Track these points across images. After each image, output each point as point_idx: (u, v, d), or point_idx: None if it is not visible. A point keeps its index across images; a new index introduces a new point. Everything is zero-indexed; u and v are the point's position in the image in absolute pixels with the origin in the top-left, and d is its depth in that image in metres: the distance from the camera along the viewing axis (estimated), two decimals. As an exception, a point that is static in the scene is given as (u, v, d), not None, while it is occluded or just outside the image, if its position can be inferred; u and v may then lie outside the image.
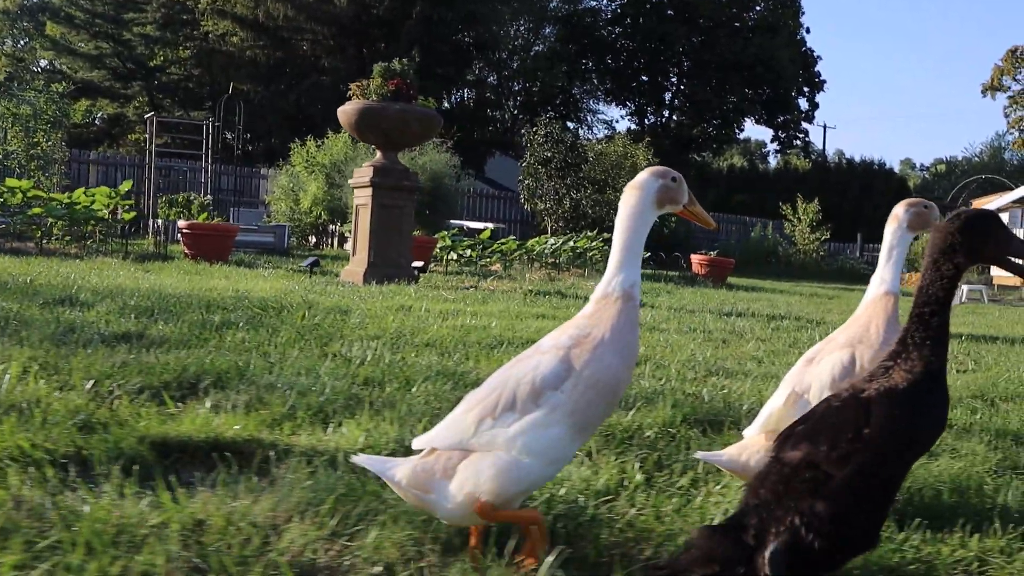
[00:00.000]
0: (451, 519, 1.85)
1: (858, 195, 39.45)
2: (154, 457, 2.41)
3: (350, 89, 10.30)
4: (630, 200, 1.97)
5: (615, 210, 2.00)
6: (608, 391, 1.83)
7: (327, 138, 19.67)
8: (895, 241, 2.60)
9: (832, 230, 27.59)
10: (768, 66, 41.93)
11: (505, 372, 1.88)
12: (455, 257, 15.54)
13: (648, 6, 43.35)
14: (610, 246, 2.00)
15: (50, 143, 17.72)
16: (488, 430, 1.80)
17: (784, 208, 27.53)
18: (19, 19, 40.14)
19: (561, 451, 1.81)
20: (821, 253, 27.08)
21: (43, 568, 1.65)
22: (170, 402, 2.96)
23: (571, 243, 16.15)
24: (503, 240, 16.08)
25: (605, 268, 1.99)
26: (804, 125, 47.77)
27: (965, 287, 18.49)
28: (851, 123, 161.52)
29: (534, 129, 23.67)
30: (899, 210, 2.62)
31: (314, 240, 20.53)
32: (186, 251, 11.90)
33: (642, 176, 2.00)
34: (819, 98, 65.31)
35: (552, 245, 15.99)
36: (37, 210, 11.62)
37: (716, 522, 1.99)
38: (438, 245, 15.20)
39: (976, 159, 68.93)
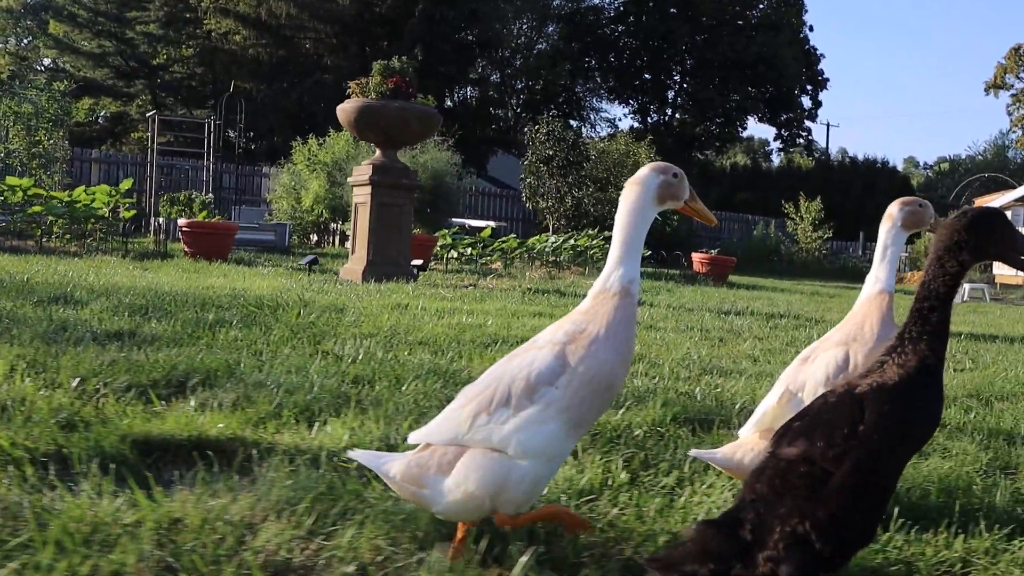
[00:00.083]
0: (445, 515, 1.84)
1: (861, 193, 39.35)
2: (135, 456, 2.40)
3: (349, 87, 10.30)
4: (631, 196, 1.95)
5: (617, 208, 1.98)
6: (603, 387, 1.81)
7: (329, 136, 19.68)
8: (890, 240, 2.60)
9: (835, 228, 27.55)
10: (771, 64, 41.88)
11: (501, 367, 1.87)
12: (455, 255, 15.53)
13: (651, 4, 43.31)
14: (611, 244, 1.98)
15: (52, 141, 17.74)
16: (483, 426, 1.79)
17: (786, 206, 27.49)
18: (22, 18, 40.19)
19: (557, 448, 1.80)
20: (823, 251, 27.04)
21: (11, 567, 1.64)
22: (156, 400, 2.95)
23: (572, 241, 16.13)
24: (504, 238, 16.07)
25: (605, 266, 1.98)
26: (807, 123, 47.78)
27: (967, 286, 18.45)
28: (854, 121, 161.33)
29: (536, 127, 23.65)
30: (893, 209, 2.63)
31: (315, 238, 20.53)
32: (186, 249, 11.90)
33: (643, 172, 1.98)
34: (822, 96, 65.37)
35: (553, 243, 15.97)
36: (37, 208, 11.63)
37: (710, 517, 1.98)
38: (438, 243, 15.19)
39: (980, 157, 68.79)
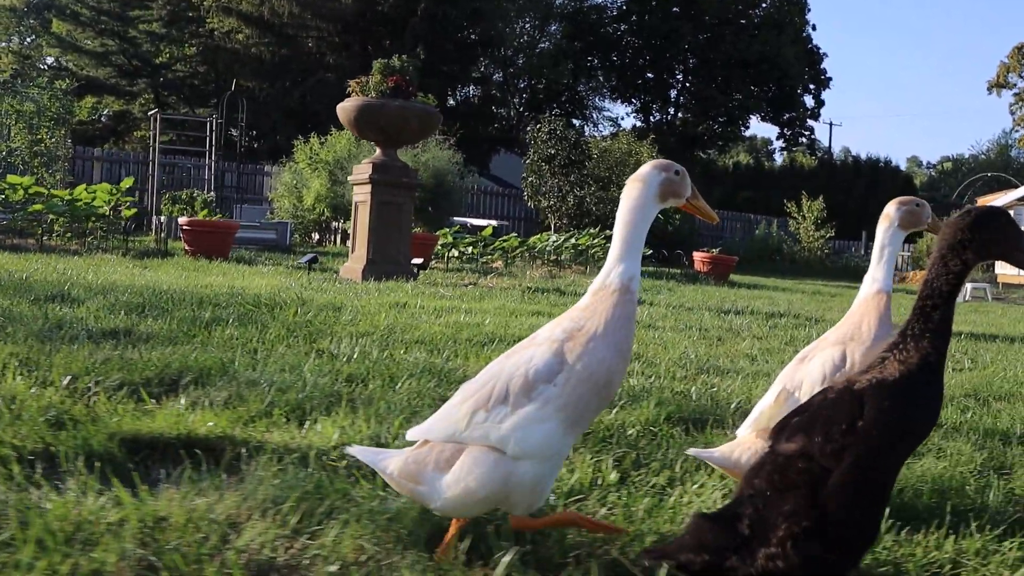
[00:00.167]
0: (443, 511, 1.84)
1: (863, 193, 39.30)
2: (124, 454, 2.39)
3: (350, 86, 10.29)
4: (632, 193, 1.94)
5: (618, 207, 1.97)
6: (601, 385, 1.80)
7: (331, 135, 19.67)
8: (887, 240, 2.60)
9: (837, 228, 27.49)
10: (774, 63, 41.83)
11: (499, 364, 1.86)
12: (456, 254, 15.51)
13: (654, 3, 43.25)
14: (611, 242, 1.97)
15: (54, 140, 17.74)
16: (481, 423, 1.78)
17: (789, 206, 27.45)
18: (25, 16, 40.23)
19: (555, 446, 1.79)
20: (826, 251, 26.98)
21: (-9, 566, 1.63)
22: (148, 399, 2.95)
23: (573, 240, 16.11)
24: (505, 237, 16.05)
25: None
26: (810, 122, 47.70)
27: (969, 285, 18.41)
28: (857, 120, 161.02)
29: (538, 126, 23.62)
30: (891, 209, 2.63)
31: (317, 237, 20.53)
32: (187, 248, 11.90)
33: (645, 169, 1.97)
34: (825, 95, 65.30)
35: (554, 242, 15.95)
36: (38, 207, 11.63)
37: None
38: (439, 242, 15.18)
39: (983, 157, 68.63)
